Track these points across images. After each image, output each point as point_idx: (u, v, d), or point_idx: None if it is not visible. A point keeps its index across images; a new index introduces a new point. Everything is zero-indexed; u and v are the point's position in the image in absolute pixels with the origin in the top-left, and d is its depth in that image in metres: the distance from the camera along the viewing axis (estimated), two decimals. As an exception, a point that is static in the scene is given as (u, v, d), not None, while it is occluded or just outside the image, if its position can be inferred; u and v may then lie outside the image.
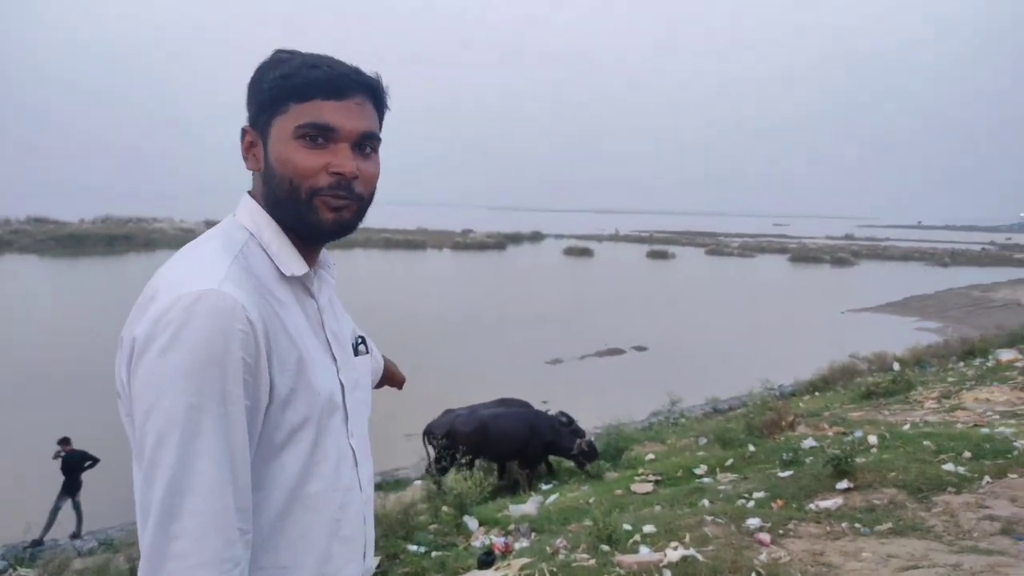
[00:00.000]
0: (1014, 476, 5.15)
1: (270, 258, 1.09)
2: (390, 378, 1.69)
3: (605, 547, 4.33)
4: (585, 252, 61.47)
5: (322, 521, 1.08)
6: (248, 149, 1.12)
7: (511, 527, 5.97)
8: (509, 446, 8.94)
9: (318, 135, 1.05)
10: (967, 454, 5.76)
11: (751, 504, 5.16)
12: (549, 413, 9.52)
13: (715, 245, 76.88)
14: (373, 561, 1.24)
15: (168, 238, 44.71)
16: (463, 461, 8.32)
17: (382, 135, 1.15)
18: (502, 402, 10.08)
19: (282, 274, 1.09)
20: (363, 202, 1.11)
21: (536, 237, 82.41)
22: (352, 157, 1.07)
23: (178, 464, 0.90)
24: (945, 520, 4.47)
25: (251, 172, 1.14)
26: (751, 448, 7.39)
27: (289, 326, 1.05)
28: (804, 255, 64.31)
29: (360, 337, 1.34)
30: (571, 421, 9.15)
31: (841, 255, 62.95)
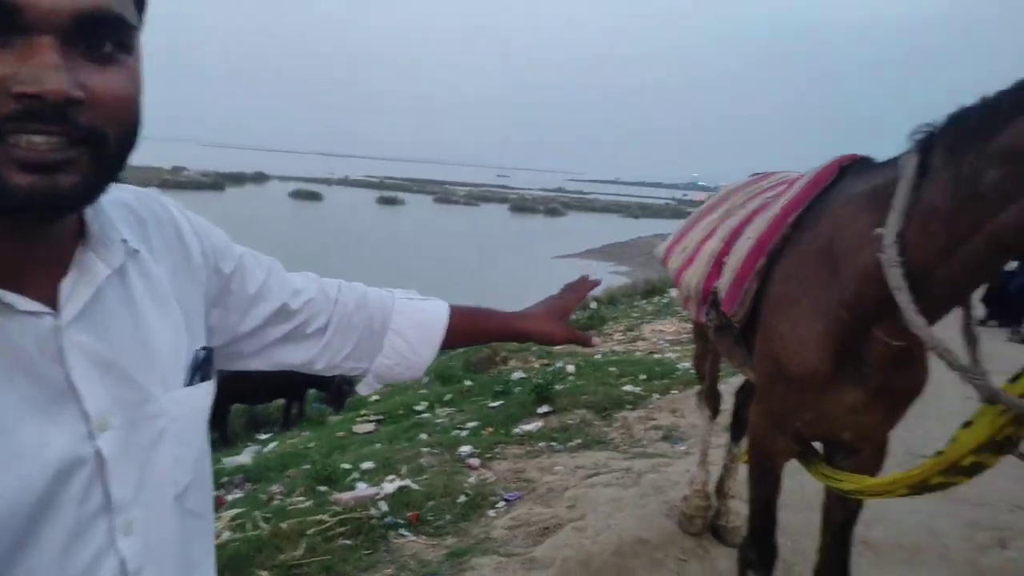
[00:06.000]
0: (675, 392, 6.16)
1: None
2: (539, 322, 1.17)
3: (323, 488, 4.34)
4: (313, 196, 59.59)
5: None
6: None
7: (224, 480, 5.68)
8: (272, 385, 8.61)
9: None
10: (642, 376, 6.75)
11: (464, 433, 5.51)
12: None
13: (443, 193, 79.23)
14: None
15: None
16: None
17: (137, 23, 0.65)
18: None
19: None
20: (102, 145, 0.61)
21: (259, 178, 77.53)
22: (58, 62, 0.57)
23: None
24: (622, 432, 5.21)
25: None
26: (468, 383, 7.88)
27: None
28: (522, 205, 69.29)
29: (206, 351, 0.83)
30: None
31: (553, 206, 68.97)
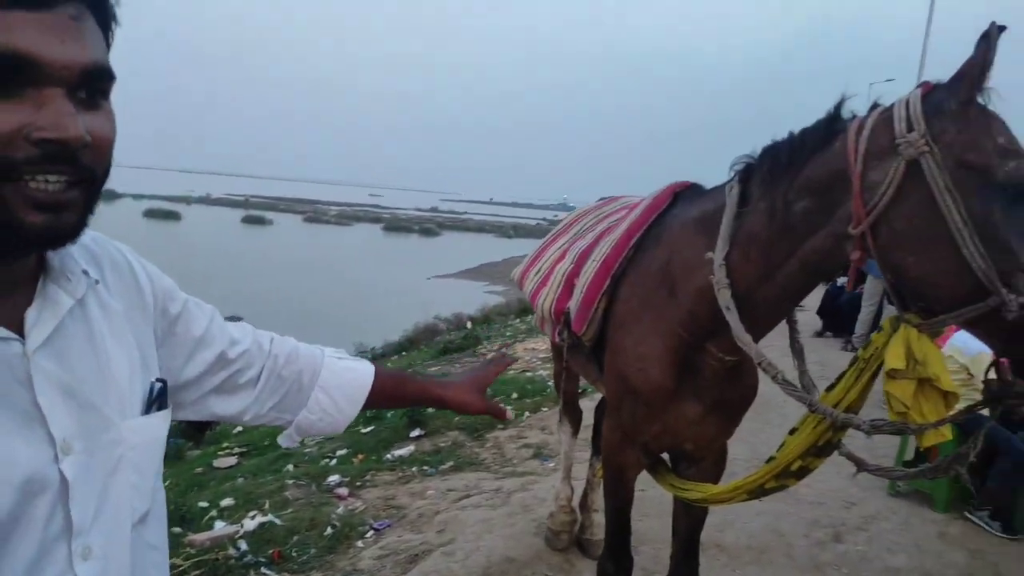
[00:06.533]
0: (545, 410, 6.29)
1: None
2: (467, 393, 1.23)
3: (177, 529, 4.05)
4: (171, 215, 56.18)
5: None
6: None
7: (64, 528, 5.18)
8: None
9: (8, 74, 0.61)
10: (515, 395, 6.84)
11: (334, 462, 5.34)
12: None
13: (313, 212, 77.03)
14: None
15: None
16: None
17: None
18: None
19: None
20: (95, 185, 0.69)
21: (108, 195, 72.08)
22: (73, 110, 0.64)
23: None
24: (494, 453, 5.25)
25: None
26: (339, 409, 7.65)
27: None
28: (396, 225, 68.63)
29: (161, 382, 0.86)
30: None
31: (428, 226, 68.78)
